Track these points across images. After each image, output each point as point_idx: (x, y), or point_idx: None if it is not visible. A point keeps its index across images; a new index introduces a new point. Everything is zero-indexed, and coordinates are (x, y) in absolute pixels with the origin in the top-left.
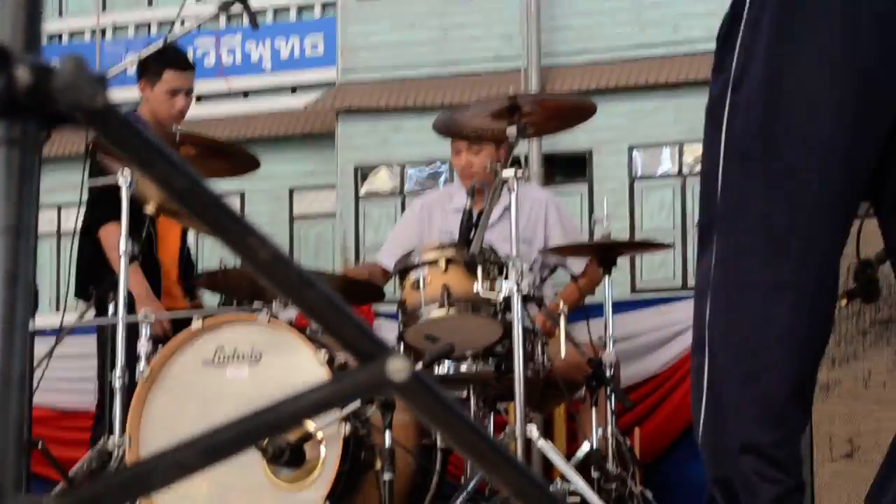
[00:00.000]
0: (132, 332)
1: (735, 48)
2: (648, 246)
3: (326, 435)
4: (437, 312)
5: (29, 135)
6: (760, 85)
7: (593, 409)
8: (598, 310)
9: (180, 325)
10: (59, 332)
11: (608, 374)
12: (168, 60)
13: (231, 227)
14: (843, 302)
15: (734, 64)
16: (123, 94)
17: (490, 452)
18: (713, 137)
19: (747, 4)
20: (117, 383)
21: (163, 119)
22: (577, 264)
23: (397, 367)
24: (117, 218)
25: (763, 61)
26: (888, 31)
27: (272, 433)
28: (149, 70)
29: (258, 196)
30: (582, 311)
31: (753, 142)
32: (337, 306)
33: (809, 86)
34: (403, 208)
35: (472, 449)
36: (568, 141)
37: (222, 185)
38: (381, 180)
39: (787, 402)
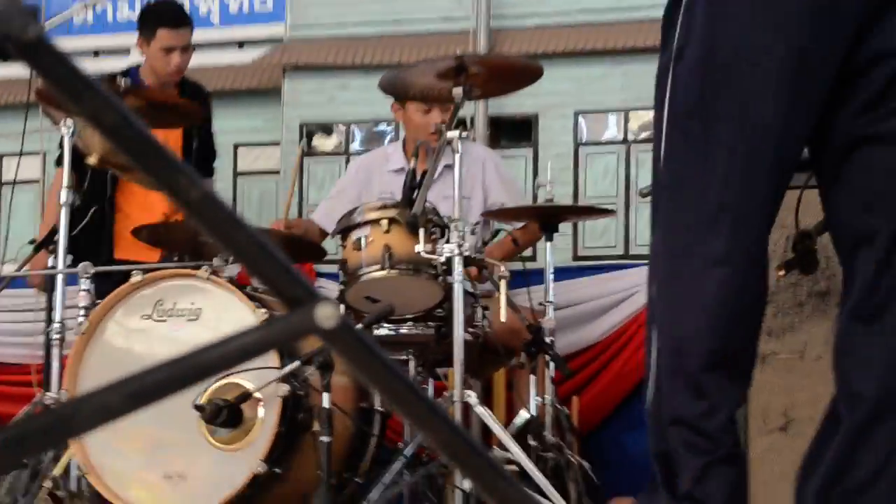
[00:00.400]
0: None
1: (677, 23)
2: (591, 211)
3: (265, 395)
4: (378, 273)
5: None
6: (697, 60)
7: (532, 377)
8: (538, 275)
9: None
10: None
11: (547, 340)
12: (161, 18)
13: (161, 166)
14: (781, 273)
15: (676, 38)
16: (71, 44)
17: (417, 404)
18: (658, 110)
19: None
20: (55, 337)
21: (161, 76)
22: (519, 225)
23: (326, 314)
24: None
25: (699, 36)
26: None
27: (201, 378)
28: (144, 28)
29: None
30: (522, 276)
31: (691, 117)
32: (267, 250)
33: (741, 61)
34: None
35: (399, 400)
36: (514, 105)
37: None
38: (327, 140)
39: (706, 375)
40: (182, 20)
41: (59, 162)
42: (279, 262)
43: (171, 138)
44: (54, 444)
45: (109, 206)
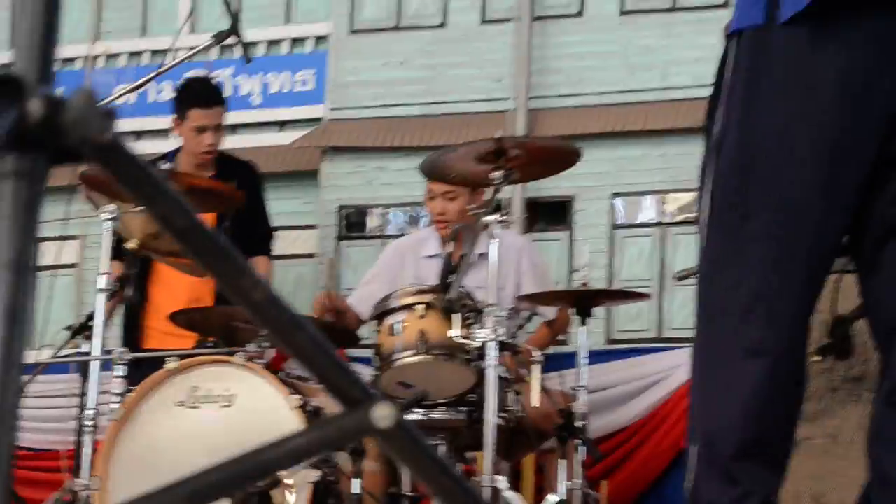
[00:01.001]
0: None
1: (717, 114)
2: (626, 295)
3: (295, 481)
4: (412, 358)
5: (37, 168)
6: (734, 152)
7: (562, 460)
8: (571, 359)
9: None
10: (34, 369)
11: (579, 425)
12: (193, 98)
13: (226, 267)
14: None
15: (716, 129)
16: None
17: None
18: (702, 198)
19: (730, 69)
20: (88, 423)
21: (195, 155)
22: (551, 312)
23: (383, 414)
24: (116, 257)
25: (736, 124)
26: (850, 89)
27: (257, 478)
28: (177, 108)
29: None
30: (556, 360)
31: (729, 208)
32: (325, 350)
33: (775, 150)
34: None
35: (452, 499)
36: (550, 187)
37: None
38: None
39: (739, 463)
40: (214, 99)
41: (115, 254)
42: (337, 363)
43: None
44: None
45: (140, 295)
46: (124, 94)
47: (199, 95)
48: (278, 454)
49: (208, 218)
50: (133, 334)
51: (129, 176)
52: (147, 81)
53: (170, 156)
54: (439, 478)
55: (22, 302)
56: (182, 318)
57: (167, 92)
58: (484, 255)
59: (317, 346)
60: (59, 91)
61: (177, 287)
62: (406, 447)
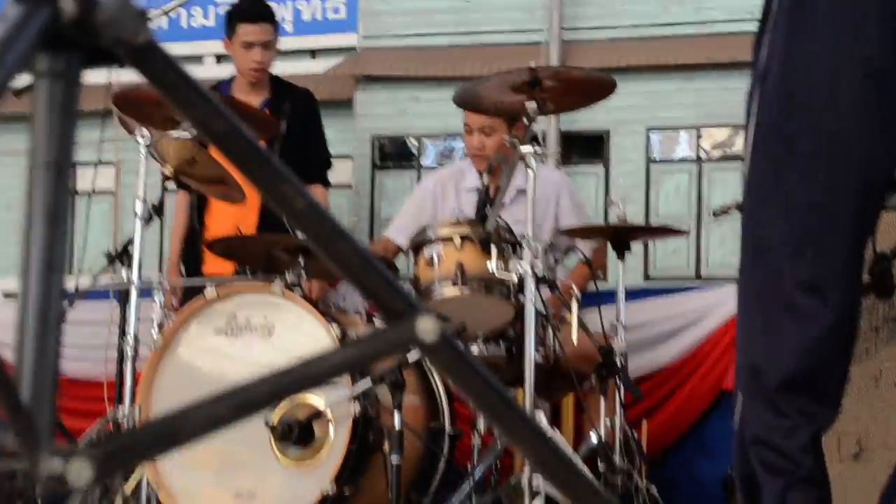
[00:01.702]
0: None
1: (763, 42)
2: (665, 231)
3: (336, 414)
4: (450, 291)
5: (72, 68)
6: (779, 82)
7: (602, 399)
8: (610, 297)
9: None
10: (72, 296)
11: (619, 363)
12: (241, 13)
13: (266, 174)
14: None
15: (761, 56)
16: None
17: (515, 418)
18: (747, 129)
19: None
20: (129, 351)
21: (243, 73)
22: (588, 250)
23: (427, 327)
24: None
25: (779, 55)
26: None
27: (303, 389)
28: (227, 26)
29: None
30: (594, 297)
31: (774, 140)
32: (369, 261)
33: (818, 81)
34: (420, 180)
35: (496, 413)
36: (585, 121)
37: None
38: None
39: (785, 395)
40: (262, 15)
41: (179, 182)
42: (381, 274)
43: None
44: (162, 453)
45: (200, 222)
46: (155, 18)
47: (246, 11)
48: (325, 365)
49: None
50: (193, 261)
51: (164, 79)
52: (177, 6)
53: (224, 84)
54: (485, 392)
55: (61, 204)
56: (219, 247)
57: (199, 18)
58: (523, 191)
59: (360, 256)
60: None
61: (226, 215)
62: (451, 361)
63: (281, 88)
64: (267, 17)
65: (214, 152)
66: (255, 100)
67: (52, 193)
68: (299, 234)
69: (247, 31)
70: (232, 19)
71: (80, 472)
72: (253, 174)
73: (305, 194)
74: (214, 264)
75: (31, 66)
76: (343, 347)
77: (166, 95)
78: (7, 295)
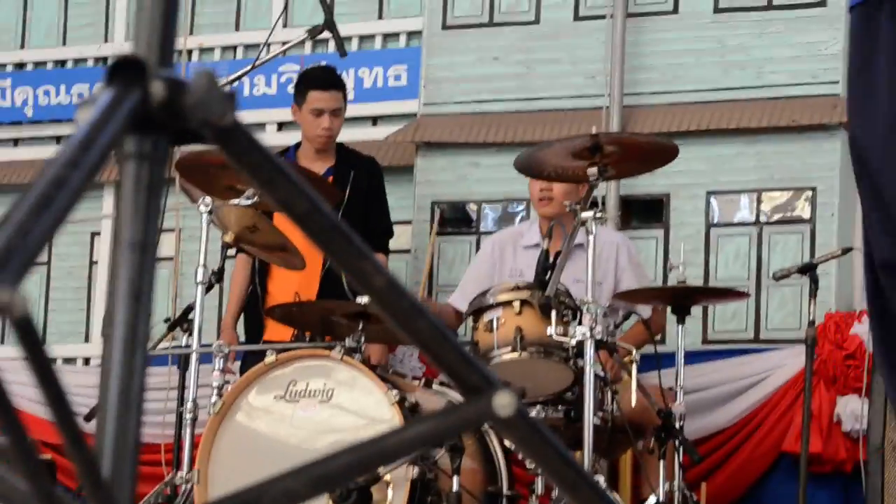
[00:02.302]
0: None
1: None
2: (724, 293)
3: (394, 477)
4: (509, 355)
5: (159, 150)
6: (850, 143)
7: (661, 462)
8: (669, 359)
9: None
10: None
11: (677, 425)
12: (312, 80)
13: (347, 252)
14: None
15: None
16: None
17: (588, 491)
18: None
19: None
20: (188, 416)
21: (311, 140)
22: (647, 311)
23: (503, 402)
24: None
25: (851, 116)
26: None
27: (380, 464)
28: (297, 93)
29: None
30: (653, 359)
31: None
32: (446, 337)
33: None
34: (479, 247)
35: (571, 485)
36: (645, 184)
37: None
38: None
39: None
40: (333, 83)
41: (239, 249)
42: (458, 350)
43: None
44: None
45: (262, 288)
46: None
47: (317, 78)
48: (400, 441)
49: None
50: (254, 327)
51: (249, 159)
52: (242, 75)
53: (291, 150)
54: (560, 467)
55: (146, 282)
56: (278, 312)
57: (261, 86)
58: (581, 246)
59: (438, 332)
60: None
61: (287, 281)
62: (527, 435)
63: (346, 156)
64: (338, 84)
65: (277, 220)
66: (321, 167)
67: (137, 272)
68: (358, 299)
69: (317, 97)
70: (302, 86)
71: None
72: (334, 252)
73: (384, 272)
74: (275, 331)
75: (119, 147)
76: (419, 422)
77: (250, 175)
78: (66, 360)
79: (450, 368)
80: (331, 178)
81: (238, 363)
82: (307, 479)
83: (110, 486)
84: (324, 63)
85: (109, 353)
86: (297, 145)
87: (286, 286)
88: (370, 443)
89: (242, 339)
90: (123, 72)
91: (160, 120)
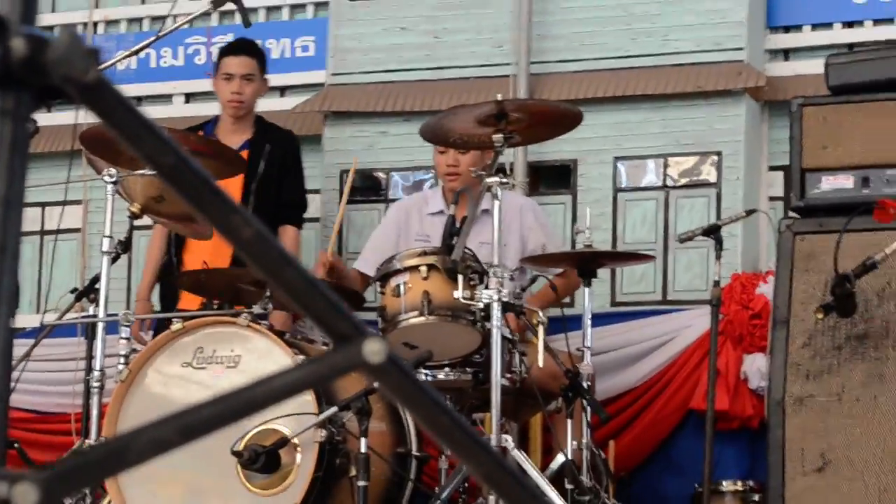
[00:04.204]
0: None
1: None
2: (630, 257)
3: (302, 441)
4: (416, 319)
5: (21, 106)
6: None
7: (569, 421)
8: (577, 321)
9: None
10: (40, 332)
11: (585, 385)
12: (225, 48)
13: (215, 204)
14: (819, 316)
15: None
16: None
17: (463, 437)
18: None
19: None
20: (95, 385)
21: (224, 106)
22: (556, 273)
23: (373, 349)
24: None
25: None
26: None
27: (250, 412)
28: (215, 63)
29: None
30: (560, 321)
31: None
32: (315, 287)
33: None
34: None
35: (444, 432)
36: (553, 151)
37: None
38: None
39: None
40: (244, 49)
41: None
42: (328, 299)
43: (229, 190)
44: (107, 475)
45: (177, 258)
46: (125, 58)
47: (229, 45)
48: (269, 389)
49: (235, 183)
50: (168, 297)
51: (113, 115)
52: (145, 46)
53: (209, 124)
54: (433, 412)
55: (10, 237)
56: (187, 280)
57: (168, 58)
58: (487, 212)
59: (306, 281)
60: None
61: (201, 251)
62: (398, 382)
63: (263, 129)
64: (249, 51)
65: None
66: (238, 139)
67: (2, 227)
68: None
69: (228, 63)
70: (218, 56)
71: (25, 495)
72: (201, 206)
73: (253, 223)
74: (189, 301)
75: None
76: (289, 371)
77: (115, 131)
78: None
79: (319, 317)
80: (246, 152)
81: (152, 333)
82: (175, 427)
83: None
84: (230, 35)
85: None
86: (217, 118)
87: (200, 256)
88: (239, 392)
89: (158, 309)
90: None
91: (22, 76)
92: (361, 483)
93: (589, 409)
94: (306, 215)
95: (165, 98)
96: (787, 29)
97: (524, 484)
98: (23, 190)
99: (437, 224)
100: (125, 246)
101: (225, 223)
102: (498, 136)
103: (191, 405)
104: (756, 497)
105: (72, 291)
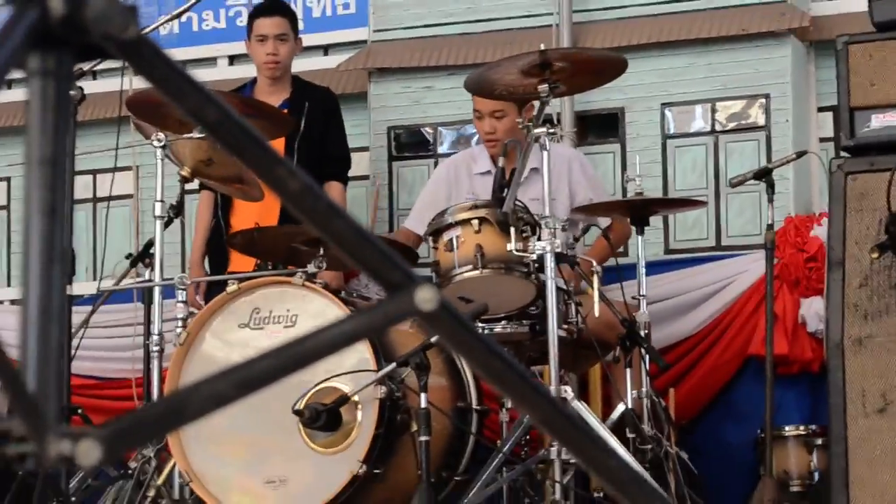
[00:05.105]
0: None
1: None
2: (682, 203)
3: (362, 398)
4: (470, 273)
5: (63, 66)
6: None
7: (627, 370)
8: (631, 270)
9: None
10: (97, 299)
11: (642, 334)
12: (256, 10)
13: (261, 157)
14: (875, 255)
15: None
16: None
17: (519, 381)
18: None
19: None
20: (154, 349)
21: (260, 69)
22: (607, 223)
23: (425, 297)
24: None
25: None
26: None
27: (306, 363)
28: (247, 26)
29: None
30: (615, 271)
31: None
32: (365, 237)
33: None
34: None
35: (499, 377)
36: (600, 100)
37: None
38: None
39: None
40: (275, 8)
41: (201, 185)
42: (378, 248)
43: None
44: (167, 431)
45: (224, 221)
46: (166, 22)
47: (260, 7)
48: (324, 340)
49: (277, 143)
50: (218, 260)
51: (155, 71)
52: (187, 9)
53: (247, 86)
54: (487, 358)
55: (58, 197)
56: (239, 241)
57: (210, 21)
58: (536, 169)
59: (356, 232)
60: None
61: (248, 213)
62: (451, 329)
63: (301, 88)
64: (280, 10)
65: None
66: (276, 99)
67: (49, 189)
68: None
69: (260, 24)
70: (250, 18)
71: (88, 451)
72: (247, 159)
73: (299, 175)
74: (239, 262)
75: (22, 65)
76: (342, 321)
77: (158, 87)
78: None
79: (370, 267)
80: (286, 111)
81: (204, 299)
82: (232, 381)
83: (35, 398)
84: None
85: (27, 270)
86: (254, 81)
87: (247, 218)
88: (292, 344)
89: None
90: None
91: (61, 35)
92: (423, 438)
93: (647, 357)
94: (354, 173)
95: (210, 61)
96: None
97: (582, 428)
98: (69, 150)
99: (486, 183)
100: (177, 210)
101: (272, 176)
102: (543, 87)
103: (247, 359)
104: (819, 441)
105: (127, 257)
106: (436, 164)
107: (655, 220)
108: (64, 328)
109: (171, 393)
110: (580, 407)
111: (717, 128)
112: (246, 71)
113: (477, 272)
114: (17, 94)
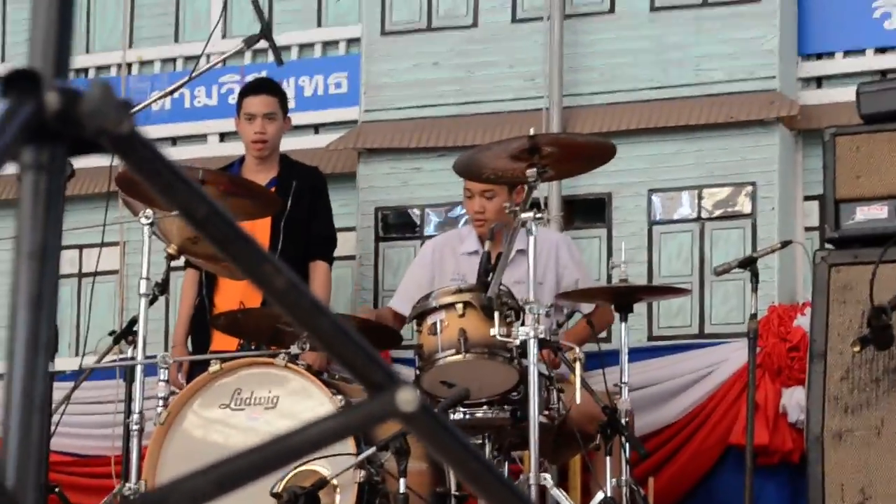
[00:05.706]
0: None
1: None
2: (666, 291)
3: (341, 482)
4: (453, 357)
5: (56, 160)
6: None
7: (608, 458)
8: (614, 357)
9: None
10: (79, 375)
11: (623, 421)
12: (245, 88)
13: (247, 254)
14: (856, 349)
15: None
16: (150, 132)
17: (498, 485)
18: None
19: None
20: (134, 427)
21: (248, 147)
22: (591, 309)
23: (407, 398)
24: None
25: None
26: None
27: (286, 462)
28: (236, 104)
29: None
30: (597, 357)
31: None
32: (348, 336)
33: None
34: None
35: (479, 481)
36: (587, 184)
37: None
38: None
39: None
40: (264, 88)
41: (187, 263)
42: (361, 348)
43: (257, 229)
44: None
45: (209, 300)
46: (159, 99)
47: (249, 85)
48: (305, 438)
49: (263, 221)
50: (201, 339)
51: (146, 166)
52: (180, 86)
53: (235, 164)
54: (466, 459)
55: (46, 290)
56: (223, 321)
57: (202, 97)
58: (522, 251)
59: (339, 331)
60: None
61: (233, 292)
62: (431, 431)
63: (289, 167)
64: (269, 89)
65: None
66: (264, 178)
67: (37, 281)
68: None
69: (249, 103)
70: (239, 96)
71: None
72: (234, 255)
73: (285, 272)
74: (222, 341)
75: (16, 158)
76: (323, 420)
77: (148, 182)
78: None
79: (353, 366)
80: (273, 189)
81: (186, 378)
82: (213, 478)
83: (13, 494)
84: (263, 73)
85: (12, 360)
86: (242, 159)
87: (232, 297)
88: (275, 442)
89: (190, 351)
90: (18, 83)
91: (56, 130)
92: None
93: (628, 445)
94: (340, 253)
95: (200, 138)
96: (818, 56)
97: None
98: (59, 242)
99: (473, 264)
100: (162, 287)
101: (258, 273)
102: (531, 171)
103: (227, 456)
104: None
105: (110, 334)
106: (422, 243)
107: (639, 307)
108: (48, 421)
109: (151, 490)
110: (559, 495)
111: (704, 215)
112: (236, 148)
113: (460, 356)
114: (91, 161)
